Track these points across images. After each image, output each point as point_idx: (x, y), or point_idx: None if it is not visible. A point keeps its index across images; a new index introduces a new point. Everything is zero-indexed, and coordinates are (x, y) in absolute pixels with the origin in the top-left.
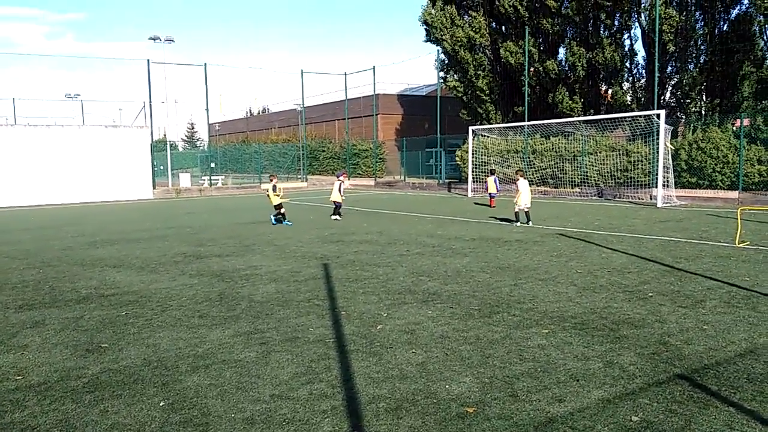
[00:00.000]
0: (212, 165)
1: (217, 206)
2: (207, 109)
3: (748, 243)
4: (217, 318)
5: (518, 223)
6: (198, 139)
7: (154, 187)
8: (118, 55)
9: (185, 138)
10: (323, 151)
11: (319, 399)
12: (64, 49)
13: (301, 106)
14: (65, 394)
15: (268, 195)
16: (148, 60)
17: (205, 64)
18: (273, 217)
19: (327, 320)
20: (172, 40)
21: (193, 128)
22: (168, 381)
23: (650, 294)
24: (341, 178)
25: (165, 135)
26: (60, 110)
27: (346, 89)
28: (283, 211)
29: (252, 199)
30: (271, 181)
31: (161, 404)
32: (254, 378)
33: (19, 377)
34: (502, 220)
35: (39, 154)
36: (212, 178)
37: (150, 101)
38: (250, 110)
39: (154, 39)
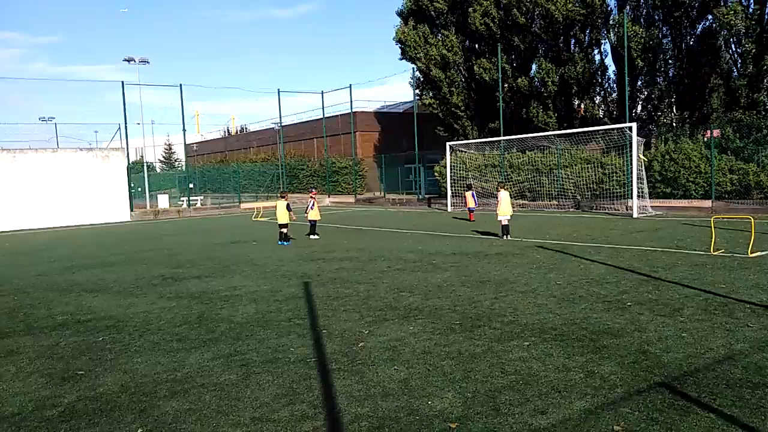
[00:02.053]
0: (191, 186)
1: (195, 227)
2: (184, 130)
3: (722, 251)
4: (196, 341)
5: (506, 237)
6: (176, 160)
7: (131, 210)
8: (93, 77)
9: (163, 159)
10: (302, 169)
11: (301, 420)
12: (38, 72)
13: (279, 125)
14: (40, 424)
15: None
16: (122, 82)
17: (181, 85)
18: (281, 240)
19: (308, 339)
20: (147, 62)
21: (170, 149)
22: (146, 407)
23: (629, 303)
24: (312, 196)
25: (142, 156)
26: (34, 134)
27: (323, 107)
28: (286, 231)
29: (231, 219)
30: (284, 198)
31: (139, 431)
32: (234, 401)
33: None
34: (482, 233)
35: (13, 178)
36: (191, 198)
37: (125, 123)
38: (228, 130)
39: (128, 60)
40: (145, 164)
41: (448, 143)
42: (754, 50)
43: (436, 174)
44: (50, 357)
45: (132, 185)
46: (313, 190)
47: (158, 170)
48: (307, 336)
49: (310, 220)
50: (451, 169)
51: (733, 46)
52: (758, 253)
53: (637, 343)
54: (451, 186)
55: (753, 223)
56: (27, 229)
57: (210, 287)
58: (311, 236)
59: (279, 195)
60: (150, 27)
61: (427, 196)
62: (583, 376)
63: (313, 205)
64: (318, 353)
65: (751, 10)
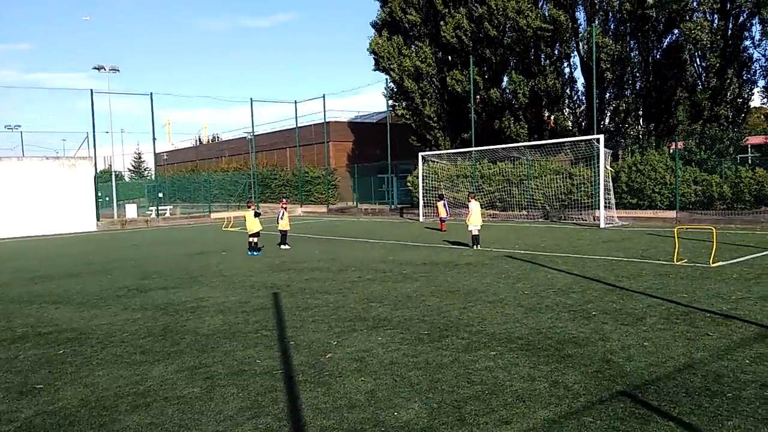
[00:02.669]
0: (160, 195)
1: (164, 237)
2: (153, 139)
3: (685, 260)
4: (160, 353)
5: (476, 247)
6: (145, 169)
7: (98, 219)
8: (62, 85)
9: (132, 168)
10: (275, 178)
11: None
12: (7, 80)
13: (252, 134)
14: None
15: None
16: (91, 90)
17: (151, 93)
18: (250, 250)
19: (275, 351)
20: (117, 70)
21: (140, 158)
22: (106, 422)
23: (594, 313)
24: (283, 206)
25: (110, 165)
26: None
27: (296, 117)
28: (256, 240)
29: (201, 229)
30: (249, 207)
31: None
32: (197, 414)
33: None
34: (453, 243)
35: None
36: (159, 208)
37: (94, 131)
38: (200, 139)
39: (98, 68)
40: (113, 173)
41: (420, 153)
42: (717, 64)
43: (408, 184)
44: (8, 371)
45: (99, 194)
46: (284, 200)
47: (127, 179)
48: (274, 347)
49: (280, 231)
50: (423, 180)
51: (698, 59)
52: (720, 263)
53: (601, 352)
54: (423, 196)
55: (715, 234)
56: None
57: (176, 298)
58: (282, 246)
59: (246, 205)
60: (122, 35)
61: (399, 206)
62: (548, 386)
63: (283, 215)
64: (285, 365)
65: (715, 25)
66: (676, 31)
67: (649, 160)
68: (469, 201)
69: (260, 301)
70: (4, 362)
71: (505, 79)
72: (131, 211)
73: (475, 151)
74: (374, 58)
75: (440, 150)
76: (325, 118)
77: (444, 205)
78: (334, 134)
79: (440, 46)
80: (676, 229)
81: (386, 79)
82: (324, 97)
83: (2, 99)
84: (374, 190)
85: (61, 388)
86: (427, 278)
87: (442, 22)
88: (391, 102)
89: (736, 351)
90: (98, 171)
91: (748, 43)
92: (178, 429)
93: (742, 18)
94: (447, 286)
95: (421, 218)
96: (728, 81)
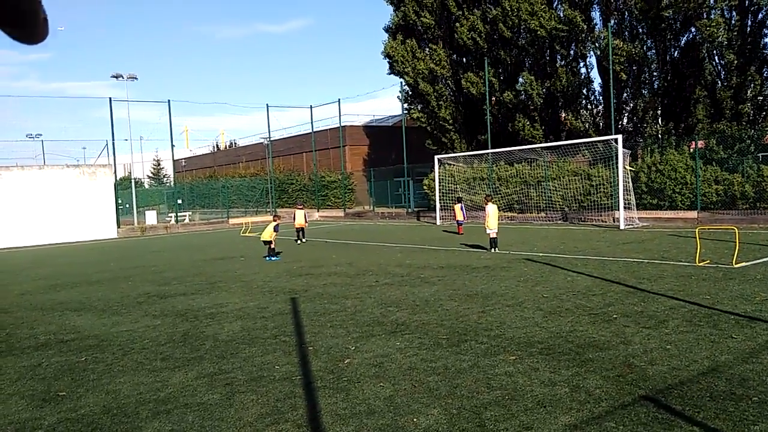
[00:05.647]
0: (179, 201)
1: (183, 243)
2: (172, 145)
3: (707, 261)
4: (180, 360)
5: (494, 250)
6: (164, 176)
7: (118, 226)
8: (81, 93)
9: (151, 175)
10: (292, 183)
11: None
12: (28, 90)
13: (268, 139)
14: None
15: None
16: (110, 98)
17: (169, 101)
18: (269, 255)
19: (294, 357)
20: (135, 78)
21: (159, 165)
22: (128, 428)
23: (614, 316)
24: (300, 208)
25: (130, 172)
26: (22, 151)
27: (312, 122)
28: (273, 245)
29: (219, 235)
30: (275, 220)
31: None
32: (217, 421)
33: None
34: (471, 246)
35: None
36: (179, 214)
37: (113, 139)
38: (217, 145)
39: (116, 77)
40: (132, 180)
41: (436, 156)
42: (736, 61)
43: (424, 187)
44: (31, 378)
45: (119, 201)
46: (299, 204)
47: (146, 186)
48: (292, 353)
49: (299, 227)
50: (439, 183)
51: (716, 57)
52: (743, 264)
53: (623, 356)
54: (440, 199)
55: (737, 234)
56: (12, 247)
57: (196, 304)
58: (300, 241)
59: (273, 217)
60: (139, 43)
61: (416, 209)
62: (569, 391)
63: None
64: (303, 371)
65: (733, 22)
66: (693, 29)
67: (668, 160)
68: (486, 204)
69: (278, 306)
70: (27, 369)
71: (520, 80)
72: (151, 217)
73: (491, 153)
74: (388, 62)
75: (456, 153)
76: (340, 123)
77: (461, 208)
78: (350, 138)
79: (454, 48)
80: (697, 230)
81: (401, 83)
82: (339, 101)
83: (24, 109)
84: (391, 193)
85: (83, 395)
86: (445, 282)
87: (456, 24)
88: (406, 105)
89: (761, 354)
90: (118, 178)
91: None
92: None
93: (761, 15)
94: (465, 289)
95: (438, 221)
96: (749, 78)
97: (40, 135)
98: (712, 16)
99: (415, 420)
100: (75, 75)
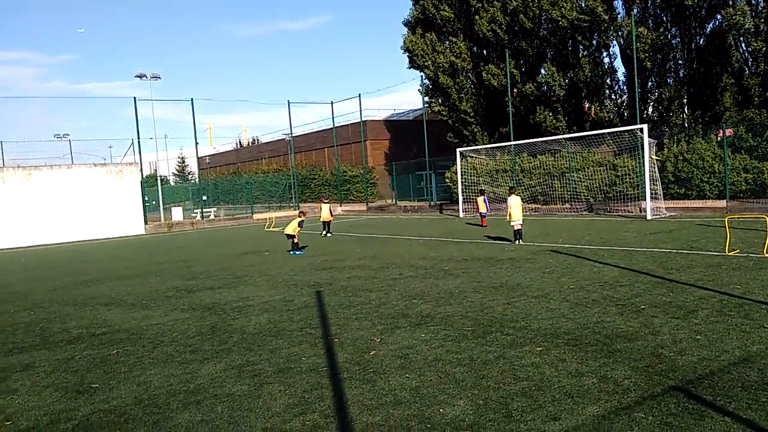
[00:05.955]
0: (204, 198)
1: (209, 239)
2: (196, 143)
3: (737, 251)
4: (209, 352)
5: (519, 242)
6: (189, 173)
7: (145, 223)
8: (106, 93)
9: (176, 172)
10: (314, 178)
11: (313, 430)
12: (55, 91)
13: (290, 135)
14: None
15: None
16: (134, 98)
17: (192, 99)
18: (293, 250)
19: (320, 349)
20: (159, 77)
21: (183, 162)
22: (159, 419)
23: (642, 306)
24: (326, 202)
25: (156, 170)
26: (50, 151)
27: (333, 117)
28: (296, 240)
29: (244, 230)
30: (300, 216)
31: None
32: (246, 411)
33: (8, 422)
34: (495, 239)
35: (29, 195)
36: (204, 210)
37: (138, 137)
38: (240, 142)
39: (140, 77)
40: (158, 178)
41: (458, 149)
42: (764, 48)
43: (447, 180)
44: (65, 371)
45: (146, 199)
46: (324, 199)
47: (172, 183)
48: (318, 345)
49: (325, 221)
50: (461, 175)
51: (743, 44)
52: None
53: (651, 346)
54: (463, 192)
55: None
56: (43, 244)
57: (223, 298)
58: (326, 235)
59: (299, 212)
60: (161, 43)
61: (438, 202)
62: (596, 381)
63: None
64: (330, 362)
65: (760, 8)
66: (718, 16)
67: (696, 149)
68: (509, 196)
69: (304, 299)
70: (61, 362)
71: (542, 71)
72: (177, 214)
73: (513, 145)
74: (408, 56)
75: (478, 145)
76: (361, 117)
77: (484, 201)
78: (371, 133)
79: (475, 40)
80: (726, 219)
81: (421, 76)
82: (360, 96)
83: (52, 109)
84: (413, 187)
85: (115, 387)
86: (469, 274)
87: (476, 17)
88: (427, 99)
89: None
90: (144, 176)
91: None
92: (228, 426)
93: None
94: (489, 281)
95: (460, 214)
96: None
97: (68, 135)
98: (738, 4)
99: (441, 410)
100: (100, 76)
